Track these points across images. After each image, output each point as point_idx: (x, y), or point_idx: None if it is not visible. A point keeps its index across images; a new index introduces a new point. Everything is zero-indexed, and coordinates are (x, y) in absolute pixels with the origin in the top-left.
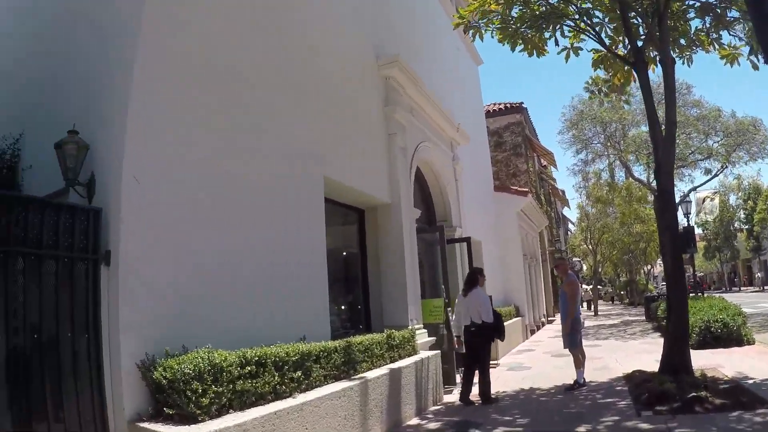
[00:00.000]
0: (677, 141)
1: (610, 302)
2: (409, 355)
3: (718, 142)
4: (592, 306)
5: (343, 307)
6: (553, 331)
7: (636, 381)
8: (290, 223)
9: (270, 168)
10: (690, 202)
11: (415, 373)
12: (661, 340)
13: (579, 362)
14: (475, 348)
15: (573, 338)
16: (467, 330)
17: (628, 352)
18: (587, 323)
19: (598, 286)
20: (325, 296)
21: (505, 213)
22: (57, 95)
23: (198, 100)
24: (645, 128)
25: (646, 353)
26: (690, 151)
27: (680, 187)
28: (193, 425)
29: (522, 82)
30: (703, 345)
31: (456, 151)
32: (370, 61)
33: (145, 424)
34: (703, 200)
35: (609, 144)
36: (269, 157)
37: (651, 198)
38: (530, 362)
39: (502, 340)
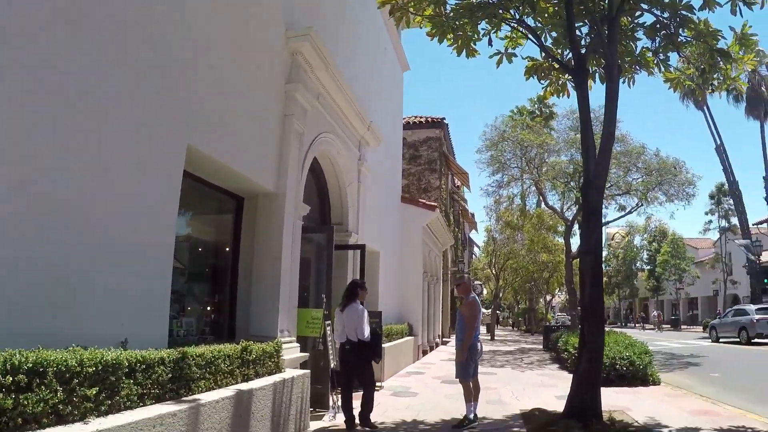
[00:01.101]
0: None
1: (509, 327)
2: (271, 373)
3: (637, 179)
4: (490, 330)
5: (207, 309)
6: (446, 353)
7: (536, 422)
8: (132, 196)
9: (112, 128)
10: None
11: (273, 396)
12: (561, 373)
13: (470, 395)
14: (351, 368)
15: (466, 368)
16: (342, 348)
17: (525, 384)
18: (484, 347)
19: (497, 311)
20: (166, 293)
21: (410, 226)
22: None
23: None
24: (564, 157)
25: (545, 387)
26: (608, 185)
27: None
28: None
29: (445, 95)
30: (606, 383)
31: (363, 151)
32: (278, 30)
33: None
34: (613, 236)
35: (527, 168)
36: (111, 115)
37: (562, 228)
38: (418, 387)
39: (377, 362)
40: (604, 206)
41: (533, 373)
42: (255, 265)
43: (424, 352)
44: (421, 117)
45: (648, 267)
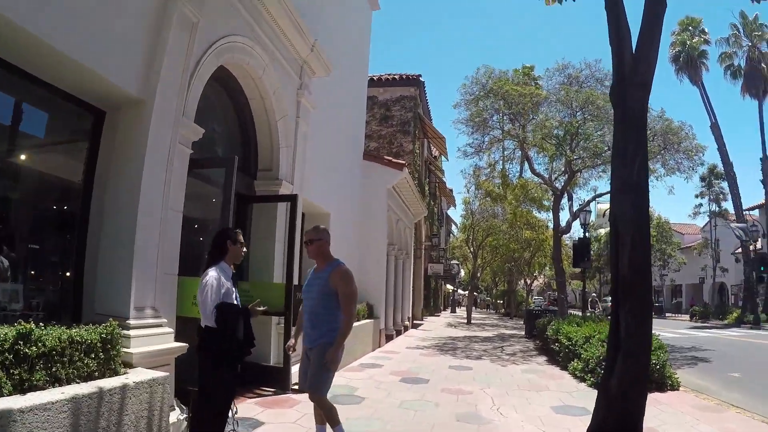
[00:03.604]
0: (588, 138)
1: (485, 309)
2: (89, 378)
3: None
4: (467, 312)
5: (46, 274)
6: (415, 338)
7: None
8: None
9: None
10: (590, 211)
11: (72, 420)
12: (552, 369)
13: (335, 416)
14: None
15: (328, 377)
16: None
17: (509, 385)
18: (459, 332)
19: (474, 293)
20: None
21: (374, 188)
22: None
23: None
24: (558, 116)
25: (536, 391)
26: (606, 148)
27: (580, 195)
28: None
29: (421, 52)
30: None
31: (307, 80)
32: None
33: None
34: (604, 213)
35: (512, 128)
36: None
37: (548, 203)
38: (367, 389)
39: (232, 370)
40: (591, 176)
41: (518, 368)
42: (107, 208)
43: (389, 338)
44: (394, 74)
45: None
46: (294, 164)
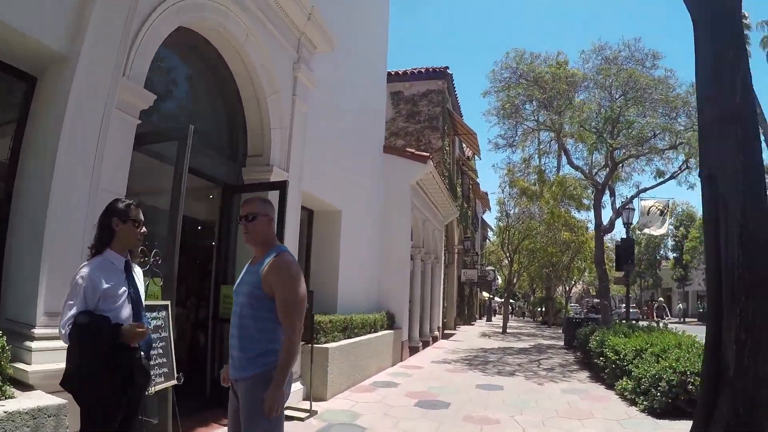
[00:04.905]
0: (630, 126)
1: (522, 318)
2: None
3: (689, 128)
4: (503, 321)
5: None
6: (444, 350)
7: None
8: None
9: None
10: (633, 209)
11: None
12: (596, 388)
13: None
14: None
15: (267, 426)
16: None
17: (545, 410)
18: (493, 343)
19: (510, 300)
20: None
21: (395, 183)
22: None
23: None
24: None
25: (577, 420)
26: (651, 133)
27: (622, 191)
28: None
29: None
30: (666, 413)
31: (307, 54)
32: None
33: None
34: (649, 210)
35: (546, 114)
36: None
37: (588, 202)
38: (373, 416)
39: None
40: (634, 170)
41: (556, 387)
42: (23, 191)
43: (413, 350)
44: (420, 68)
45: (674, 255)
46: (290, 149)
